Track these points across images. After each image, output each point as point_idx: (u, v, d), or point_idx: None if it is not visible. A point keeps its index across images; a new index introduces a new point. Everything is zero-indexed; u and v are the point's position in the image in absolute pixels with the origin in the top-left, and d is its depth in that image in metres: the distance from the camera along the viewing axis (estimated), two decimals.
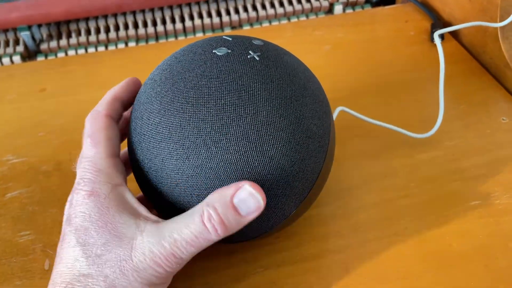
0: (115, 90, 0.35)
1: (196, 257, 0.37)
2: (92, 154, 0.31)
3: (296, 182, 0.31)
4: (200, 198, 0.30)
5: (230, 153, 0.29)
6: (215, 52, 0.32)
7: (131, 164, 0.34)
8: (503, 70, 0.52)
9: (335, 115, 0.44)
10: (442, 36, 0.57)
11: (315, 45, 0.59)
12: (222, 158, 0.29)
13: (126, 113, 0.37)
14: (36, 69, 0.57)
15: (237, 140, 0.29)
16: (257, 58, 0.32)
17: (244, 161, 0.29)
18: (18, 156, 0.46)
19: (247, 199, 0.29)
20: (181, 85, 0.31)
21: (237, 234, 0.31)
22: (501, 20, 0.49)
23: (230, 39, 0.34)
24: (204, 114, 0.30)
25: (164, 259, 0.28)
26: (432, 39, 0.58)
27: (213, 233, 0.28)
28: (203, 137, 0.29)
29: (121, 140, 0.36)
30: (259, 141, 0.30)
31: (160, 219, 0.30)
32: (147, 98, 0.32)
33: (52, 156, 0.45)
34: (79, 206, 0.29)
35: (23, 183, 0.43)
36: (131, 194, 0.31)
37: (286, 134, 0.30)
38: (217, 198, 0.29)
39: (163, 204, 0.32)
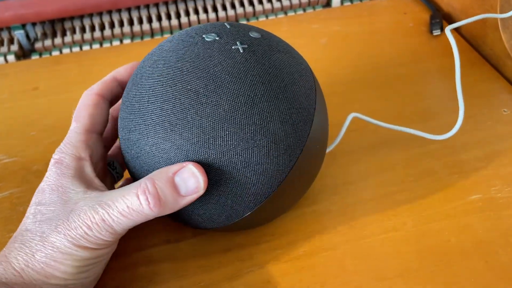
0: (117, 71, 0.37)
1: (190, 254, 0.37)
2: (71, 128, 0.34)
3: (248, 185, 0.30)
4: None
5: (183, 138, 0.29)
6: (204, 37, 0.32)
7: (120, 142, 0.35)
8: (503, 60, 0.51)
9: (347, 121, 0.41)
10: (441, 27, 0.56)
11: (312, 39, 0.58)
12: (174, 142, 0.29)
13: None
14: (29, 68, 0.56)
15: (191, 128, 0.29)
16: (241, 51, 0.31)
17: (195, 150, 0.29)
18: (10, 156, 0.45)
19: (188, 178, 0.29)
20: (160, 64, 0.32)
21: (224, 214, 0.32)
22: (501, 9, 0.48)
23: (229, 26, 0.34)
24: (169, 96, 0.30)
25: (95, 223, 0.29)
26: (431, 31, 0.57)
27: (145, 206, 0.29)
28: (163, 118, 0.30)
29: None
30: (213, 133, 0.29)
31: (107, 191, 0.31)
32: (133, 77, 0.33)
33: (43, 156, 0.45)
34: (47, 171, 0.32)
35: (14, 183, 0.43)
36: (91, 168, 0.33)
37: (244, 133, 0.29)
38: (158, 172, 0.30)
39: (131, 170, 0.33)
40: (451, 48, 0.55)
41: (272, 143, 0.30)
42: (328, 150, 0.40)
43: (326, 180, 0.41)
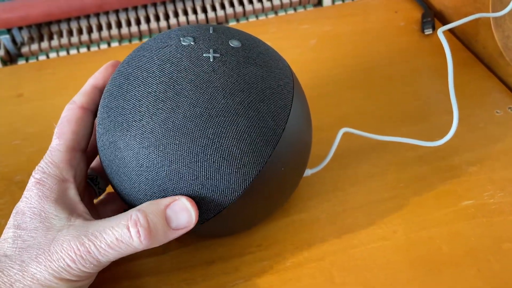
0: (95, 77, 0.35)
1: (174, 267, 0.36)
2: (54, 145, 0.32)
3: (196, 198, 0.29)
4: (120, 189, 0.31)
5: (136, 141, 0.29)
6: (180, 40, 0.32)
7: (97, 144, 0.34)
8: (496, 59, 0.50)
9: (338, 137, 0.40)
10: (433, 26, 0.55)
11: (301, 40, 0.57)
12: (129, 144, 0.29)
13: None
14: (14, 74, 0.55)
15: (144, 132, 0.29)
16: (211, 59, 0.30)
17: (145, 154, 0.29)
18: None
19: (180, 212, 0.29)
20: (133, 63, 0.31)
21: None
22: (493, 7, 0.47)
23: (211, 31, 0.33)
24: (130, 97, 0.30)
25: (79, 256, 0.28)
26: (422, 30, 0.55)
27: (136, 239, 0.28)
28: (122, 118, 0.30)
29: None
30: (164, 140, 0.28)
31: (92, 219, 0.30)
32: (110, 83, 0.33)
33: (27, 166, 0.44)
34: (26, 191, 0.31)
35: None
36: (75, 191, 0.31)
37: (196, 145, 0.28)
38: (150, 204, 0.29)
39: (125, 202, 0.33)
40: (443, 48, 0.53)
41: (224, 159, 0.29)
42: (315, 171, 0.39)
43: (315, 186, 0.40)
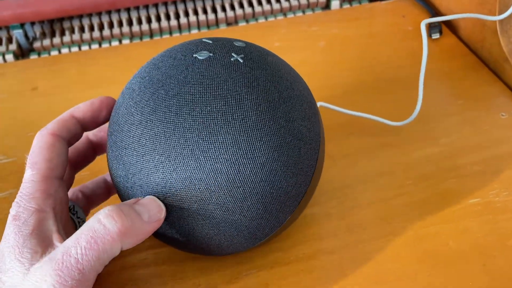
0: (77, 108, 0.33)
1: (188, 257, 0.37)
2: (27, 176, 0.30)
3: (289, 188, 0.30)
4: (190, 211, 0.29)
5: (220, 162, 0.28)
6: (196, 57, 0.31)
7: (113, 182, 0.32)
8: (502, 64, 0.51)
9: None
10: (440, 31, 0.56)
11: (310, 42, 0.58)
12: (211, 168, 0.28)
13: (91, 134, 0.36)
14: (28, 68, 0.56)
15: (227, 148, 0.28)
16: (241, 61, 0.31)
17: (236, 169, 0.28)
18: (8, 157, 0.45)
19: (148, 204, 0.28)
20: (162, 93, 0.29)
21: (230, 245, 0.31)
22: (499, 13, 0.48)
23: (211, 42, 0.33)
24: (190, 123, 0.28)
25: (55, 280, 0.25)
26: (430, 35, 0.57)
27: (112, 226, 0.26)
28: (190, 147, 0.28)
29: (83, 161, 0.36)
30: (250, 147, 0.28)
31: None
32: (126, 109, 0.31)
33: None
34: (5, 229, 0.28)
35: (13, 184, 0.43)
36: (52, 220, 0.29)
37: (277, 138, 0.29)
38: (115, 204, 0.28)
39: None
40: (450, 52, 0.55)
41: (300, 140, 0.30)
42: None
43: (324, 184, 0.41)
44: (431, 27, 0.57)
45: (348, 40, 0.58)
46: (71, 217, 0.33)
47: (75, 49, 0.61)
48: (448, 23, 0.59)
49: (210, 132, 0.28)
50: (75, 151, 0.35)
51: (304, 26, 0.60)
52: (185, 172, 0.28)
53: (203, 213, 0.29)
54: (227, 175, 0.28)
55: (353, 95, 0.50)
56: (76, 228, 0.33)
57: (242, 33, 0.61)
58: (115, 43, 0.62)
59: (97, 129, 0.35)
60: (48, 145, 0.31)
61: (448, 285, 0.35)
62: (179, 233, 0.31)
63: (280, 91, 0.31)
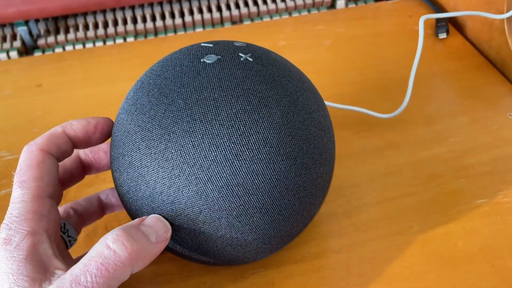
0: (69, 124, 0.31)
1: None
2: (16, 196, 0.28)
3: (318, 179, 0.30)
4: (229, 220, 0.28)
5: (256, 163, 0.27)
6: (204, 61, 0.30)
7: (128, 204, 0.30)
8: (509, 65, 0.51)
9: None
10: (447, 31, 0.56)
11: (316, 40, 0.57)
12: (248, 170, 0.27)
13: (82, 152, 0.34)
14: (32, 64, 0.56)
15: (259, 148, 0.27)
16: (251, 59, 0.30)
17: (271, 168, 0.28)
18: (13, 153, 0.45)
19: (154, 224, 0.27)
20: (180, 103, 0.28)
21: (267, 249, 0.31)
22: (507, 12, 0.48)
23: (211, 45, 0.32)
24: (218, 128, 0.27)
25: None
26: (437, 34, 0.56)
27: (123, 251, 0.25)
28: (223, 153, 0.27)
29: (72, 179, 0.34)
30: (281, 143, 0.28)
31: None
32: (138, 126, 0.29)
33: None
34: None
35: None
36: (47, 243, 0.27)
37: (303, 131, 0.29)
38: (122, 225, 0.27)
39: (185, 237, 0.29)
40: (457, 52, 0.55)
41: (321, 130, 0.31)
42: None
43: (332, 182, 0.41)
44: (438, 27, 0.56)
45: (354, 39, 0.58)
46: (61, 236, 0.31)
47: (79, 46, 0.61)
48: (455, 23, 0.59)
49: (241, 135, 0.27)
50: (63, 168, 0.33)
51: (310, 25, 0.60)
52: (221, 180, 0.27)
53: (242, 219, 0.28)
54: (263, 175, 0.27)
55: (359, 94, 0.50)
56: (67, 248, 0.32)
57: (248, 31, 0.60)
58: (119, 40, 0.62)
59: (89, 149, 0.34)
60: (38, 162, 0.29)
61: (456, 286, 0.35)
62: (213, 246, 0.29)
63: (295, 84, 0.31)
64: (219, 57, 0.30)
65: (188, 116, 0.28)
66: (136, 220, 0.28)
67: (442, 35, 0.56)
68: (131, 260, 0.25)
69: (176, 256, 0.32)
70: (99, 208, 0.36)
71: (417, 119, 0.47)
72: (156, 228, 0.28)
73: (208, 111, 0.28)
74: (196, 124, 0.27)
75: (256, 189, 0.27)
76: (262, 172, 0.27)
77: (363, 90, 0.51)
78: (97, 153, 0.34)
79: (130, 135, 0.29)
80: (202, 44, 0.32)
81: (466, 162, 0.43)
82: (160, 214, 0.29)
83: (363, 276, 0.35)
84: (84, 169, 0.35)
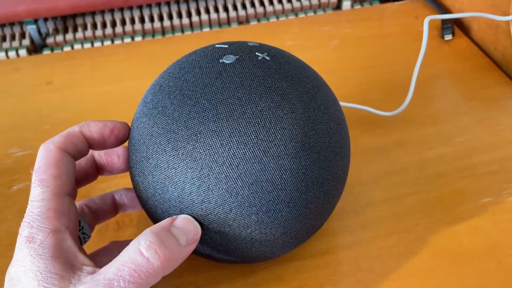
0: (86, 125, 0.32)
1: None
2: (35, 194, 0.28)
3: (339, 171, 0.31)
4: (259, 216, 0.28)
5: (283, 158, 0.28)
6: (223, 61, 0.30)
7: (148, 208, 0.31)
8: None
9: None
10: (453, 32, 0.57)
11: (323, 41, 0.58)
12: (276, 166, 0.28)
13: (96, 154, 0.35)
14: (42, 62, 0.56)
15: (286, 143, 0.28)
16: (268, 58, 0.31)
17: (298, 163, 0.28)
18: (24, 149, 0.45)
19: (185, 226, 0.28)
20: (204, 103, 0.28)
21: (293, 243, 0.31)
22: None
23: (226, 46, 0.32)
24: (245, 126, 0.28)
25: None
26: (442, 36, 0.57)
27: (156, 261, 0.26)
28: (251, 150, 0.27)
29: (86, 179, 0.34)
30: (305, 138, 0.29)
31: (97, 268, 0.26)
32: (162, 129, 0.29)
33: None
34: (17, 252, 0.27)
35: (29, 176, 0.43)
36: (71, 241, 0.27)
37: (324, 125, 0.30)
38: (153, 227, 0.27)
39: (213, 237, 0.29)
40: (462, 53, 0.55)
41: (339, 124, 0.32)
42: None
43: None
44: (443, 28, 0.57)
45: (360, 40, 0.58)
46: None
47: (87, 45, 0.62)
48: (461, 25, 0.59)
49: (268, 131, 0.28)
50: (78, 167, 0.33)
51: (316, 25, 0.61)
52: (251, 176, 0.27)
53: (271, 214, 0.28)
54: (291, 170, 0.28)
55: (365, 94, 0.50)
56: (81, 243, 0.32)
57: (255, 31, 0.61)
58: (127, 39, 0.63)
59: (104, 151, 0.34)
60: (56, 161, 0.29)
61: (462, 283, 0.35)
62: (241, 244, 0.30)
63: (311, 81, 0.31)
64: (237, 57, 0.31)
65: (214, 116, 0.28)
66: (167, 220, 0.28)
67: (448, 37, 0.57)
68: (163, 268, 0.26)
69: (202, 258, 0.33)
70: (113, 207, 0.37)
71: (422, 119, 0.48)
72: (187, 230, 0.28)
73: (233, 110, 0.28)
74: (223, 123, 0.28)
75: (284, 184, 0.28)
76: (289, 167, 0.28)
77: (369, 90, 0.51)
78: (111, 156, 0.35)
79: (154, 138, 0.29)
80: (216, 46, 0.32)
81: (471, 162, 0.44)
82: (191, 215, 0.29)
83: (371, 272, 0.36)
84: (97, 169, 0.35)
